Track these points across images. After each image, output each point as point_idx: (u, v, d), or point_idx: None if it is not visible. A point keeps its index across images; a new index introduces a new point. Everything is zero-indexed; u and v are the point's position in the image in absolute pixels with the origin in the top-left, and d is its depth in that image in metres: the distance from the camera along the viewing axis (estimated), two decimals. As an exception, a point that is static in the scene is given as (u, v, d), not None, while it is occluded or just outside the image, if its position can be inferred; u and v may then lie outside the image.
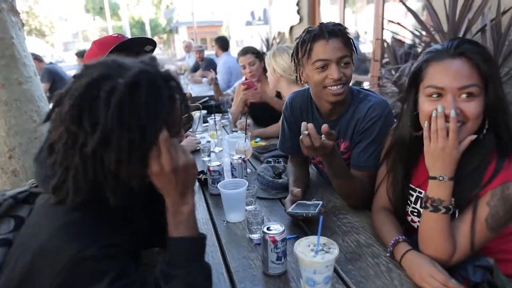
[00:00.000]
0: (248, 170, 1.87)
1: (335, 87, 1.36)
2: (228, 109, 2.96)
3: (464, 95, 0.99)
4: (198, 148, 2.22)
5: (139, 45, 1.36)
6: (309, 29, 1.40)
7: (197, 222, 0.87)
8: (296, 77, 1.50)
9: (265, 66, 2.72)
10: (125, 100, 0.71)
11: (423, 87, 1.05)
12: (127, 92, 0.72)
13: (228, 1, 15.23)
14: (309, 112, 1.55)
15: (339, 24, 1.39)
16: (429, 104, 1.03)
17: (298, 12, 6.24)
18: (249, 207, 1.44)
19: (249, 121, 2.41)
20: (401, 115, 1.17)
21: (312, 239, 0.97)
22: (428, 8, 3.03)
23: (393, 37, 3.80)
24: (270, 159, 1.85)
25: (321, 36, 1.34)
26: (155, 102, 0.75)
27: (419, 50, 3.33)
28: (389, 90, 3.57)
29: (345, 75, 1.36)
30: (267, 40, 6.97)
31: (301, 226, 1.31)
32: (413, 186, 1.18)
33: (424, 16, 3.55)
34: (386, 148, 1.27)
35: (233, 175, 1.69)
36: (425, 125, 1.03)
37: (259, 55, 2.73)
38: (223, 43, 5.21)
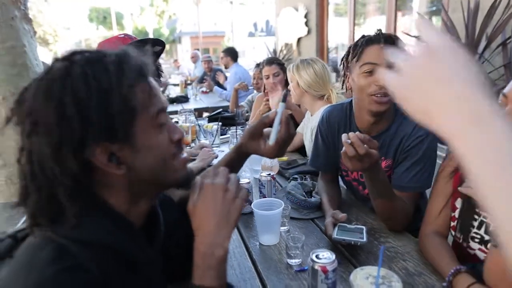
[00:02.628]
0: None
1: (379, 97, 1.29)
2: (242, 121, 2.90)
3: None
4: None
5: (147, 45, 1.29)
6: (366, 34, 1.37)
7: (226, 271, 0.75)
8: (343, 82, 1.45)
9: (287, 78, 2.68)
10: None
11: None
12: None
13: (230, 12, 15.32)
14: (347, 127, 1.48)
15: (396, 35, 1.35)
16: None
17: (306, 24, 6.23)
18: (282, 228, 1.36)
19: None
20: None
21: (369, 270, 0.89)
22: (445, 22, 2.99)
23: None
24: (296, 176, 1.77)
25: (376, 40, 1.30)
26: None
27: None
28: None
29: None
30: (275, 51, 6.96)
31: (342, 251, 1.22)
32: (477, 211, 1.11)
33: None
34: (449, 168, 1.19)
35: (261, 193, 1.61)
36: None
37: (283, 67, 2.70)
38: (233, 54, 5.17)
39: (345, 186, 1.68)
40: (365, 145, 1.11)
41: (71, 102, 0.60)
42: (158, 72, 1.38)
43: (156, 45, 1.32)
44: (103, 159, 0.64)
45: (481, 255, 1.10)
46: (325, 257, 0.96)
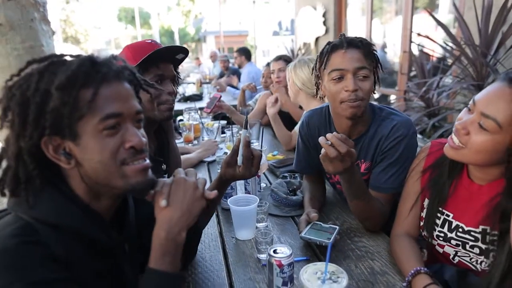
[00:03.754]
0: (263, 184, 1.83)
1: (351, 102, 1.27)
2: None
3: None
4: (215, 158, 2.20)
5: (173, 53, 1.35)
6: (331, 41, 1.36)
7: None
8: (316, 91, 1.45)
9: None
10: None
11: None
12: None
13: (255, 11, 15.37)
14: (327, 131, 1.48)
15: (362, 38, 1.33)
16: None
17: (324, 23, 6.19)
18: (260, 224, 1.40)
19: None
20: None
21: (320, 265, 0.91)
22: (459, 21, 2.91)
23: (421, 50, 3.68)
24: (286, 174, 1.80)
25: (340, 46, 1.29)
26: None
27: (449, 64, 3.21)
28: (415, 104, 3.45)
29: (362, 89, 1.27)
30: (292, 51, 6.95)
31: (313, 249, 1.25)
32: (440, 209, 1.11)
33: (454, 30, 3.42)
34: (416, 170, 1.20)
35: (246, 190, 1.65)
36: None
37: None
38: (246, 54, 5.23)
39: (331, 186, 1.69)
40: None
41: (20, 97, 0.71)
42: (176, 78, 1.43)
43: (180, 53, 1.38)
44: (50, 150, 0.73)
45: (450, 250, 1.10)
46: (282, 252, 0.99)
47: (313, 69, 1.45)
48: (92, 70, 0.73)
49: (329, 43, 1.35)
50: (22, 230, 0.69)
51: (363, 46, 1.30)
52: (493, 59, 2.65)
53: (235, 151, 1.11)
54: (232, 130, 2.19)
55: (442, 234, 1.10)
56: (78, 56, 0.76)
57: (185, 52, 1.38)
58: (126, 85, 0.78)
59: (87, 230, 0.76)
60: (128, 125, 0.77)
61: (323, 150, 1.13)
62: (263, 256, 1.18)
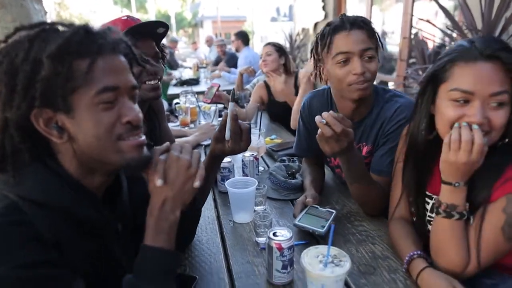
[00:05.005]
0: (261, 168, 1.79)
1: (359, 84, 1.24)
2: (245, 104, 2.90)
3: (494, 103, 0.88)
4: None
5: (151, 27, 1.29)
6: (331, 21, 1.30)
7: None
8: (316, 75, 1.40)
9: (285, 62, 2.66)
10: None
11: (446, 89, 0.94)
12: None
13: (253, -3, 15.14)
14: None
15: (362, 17, 1.27)
16: (454, 109, 0.92)
17: (324, 8, 6.07)
18: (258, 208, 1.36)
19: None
20: (412, 116, 1.06)
21: (322, 249, 0.88)
22: (462, 5, 2.85)
23: (421, 36, 3.63)
24: (284, 158, 1.76)
25: (343, 27, 1.23)
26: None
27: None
28: (415, 90, 3.41)
29: (369, 70, 1.24)
30: (291, 36, 6.84)
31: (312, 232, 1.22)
32: (429, 193, 1.08)
33: (456, 16, 3.36)
34: (401, 152, 1.16)
35: (244, 173, 1.61)
36: (448, 132, 0.93)
37: (280, 50, 2.70)
38: (244, 38, 5.14)
39: (330, 170, 1.66)
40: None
41: (8, 65, 0.65)
42: (162, 54, 1.38)
43: (160, 27, 1.31)
44: (41, 123, 0.68)
45: None
46: (282, 234, 0.96)
47: (311, 52, 1.39)
48: (87, 39, 0.68)
49: (329, 24, 1.29)
50: (6, 210, 0.64)
51: (366, 26, 1.25)
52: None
53: (223, 126, 1.08)
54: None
55: (432, 220, 1.07)
56: (71, 25, 0.70)
57: (164, 26, 1.32)
58: (122, 58, 0.74)
59: (77, 208, 0.72)
60: (125, 99, 0.73)
61: (319, 130, 1.10)
62: (261, 240, 1.15)
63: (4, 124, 0.67)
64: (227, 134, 1.06)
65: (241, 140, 1.08)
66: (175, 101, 2.91)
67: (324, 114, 1.08)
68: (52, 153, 0.72)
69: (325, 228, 1.13)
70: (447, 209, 0.94)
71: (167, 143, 0.84)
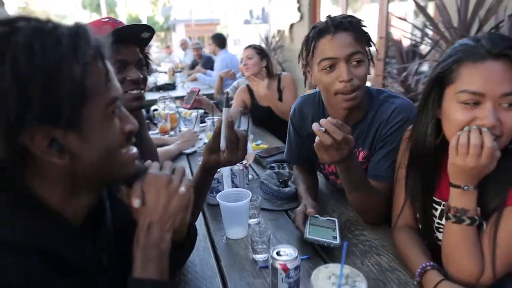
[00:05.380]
0: (250, 176, 1.70)
1: (346, 94, 1.16)
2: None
3: (505, 104, 0.83)
4: (195, 149, 2.05)
5: (136, 32, 1.18)
6: (316, 24, 1.22)
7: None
8: (305, 80, 1.32)
9: (267, 65, 2.59)
10: None
11: (453, 91, 0.89)
12: None
13: (225, 0, 15.01)
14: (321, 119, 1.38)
15: (350, 16, 1.18)
16: (463, 113, 0.87)
17: (299, 9, 6.06)
18: (252, 221, 1.27)
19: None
20: (417, 121, 1.01)
21: (333, 268, 0.80)
22: (438, 3, 2.87)
23: (395, 36, 3.66)
24: (273, 165, 1.68)
25: (326, 30, 1.14)
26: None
27: (427, 48, 3.18)
28: (394, 90, 3.42)
29: (357, 76, 1.15)
30: (267, 38, 6.79)
31: (313, 246, 1.13)
32: (437, 199, 1.02)
33: (431, 14, 3.39)
34: (403, 157, 1.10)
35: (233, 183, 1.52)
36: (456, 134, 0.88)
37: (262, 53, 2.62)
38: (220, 41, 5.02)
39: (323, 176, 1.59)
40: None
41: (7, 75, 0.51)
42: (146, 61, 1.28)
43: (145, 32, 1.20)
44: (42, 144, 0.56)
45: None
46: (287, 253, 0.87)
47: (299, 57, 1.31)
48: (100, 44, 0.61)
49: (314, 27, 1.20)
50: None
51: (353, 28, 1.16)
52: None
53: (217, 134, 0.97)
54: (213, 118, 2.04)
55: (441, 226, 1.02)
56: (57, 26, 0.57)
57: (149, 30, 1.21)
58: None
59: (55, 247, 0.61)
60: (122, 108, 0.66)
61: (317, 138, 1.01)
62: (260, 257, 1.06)
63: None
64: (223, 144, 0.95)
65: (238, 149, 0.98)
66: (153, 107, 2.78)
67: (323, 121, 1.00)
68: (25, 176, 0.60)
69: (338, 239, 1.05)
70: (457, 214, 0.89)
71: (148, 161, 0.76)
